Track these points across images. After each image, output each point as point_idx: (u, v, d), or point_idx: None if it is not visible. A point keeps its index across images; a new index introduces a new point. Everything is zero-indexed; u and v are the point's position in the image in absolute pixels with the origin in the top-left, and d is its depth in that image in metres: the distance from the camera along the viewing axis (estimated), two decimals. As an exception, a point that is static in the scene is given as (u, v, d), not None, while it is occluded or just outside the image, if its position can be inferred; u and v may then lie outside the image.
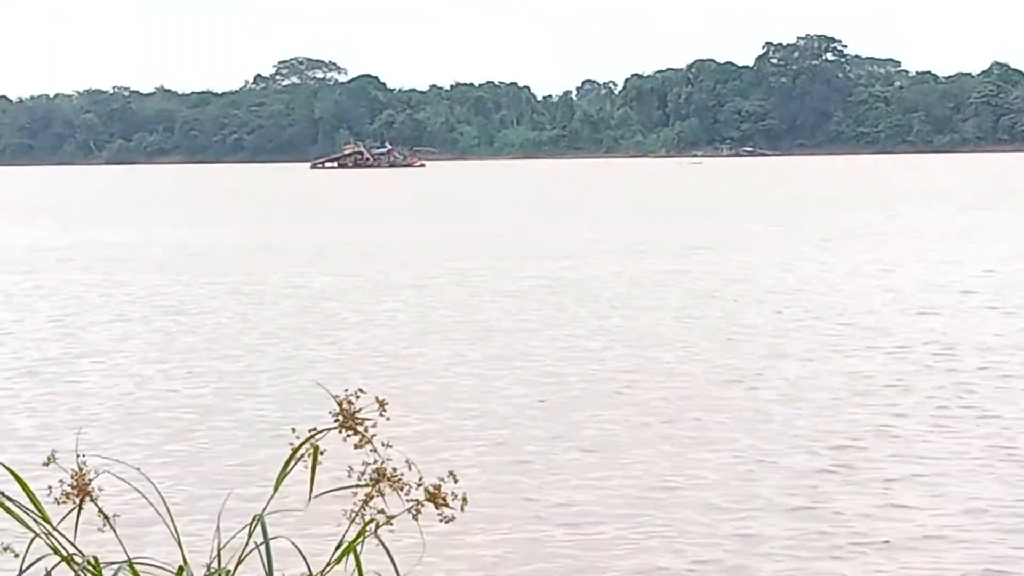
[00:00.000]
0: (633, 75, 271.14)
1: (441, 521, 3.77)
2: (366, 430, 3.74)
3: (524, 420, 17.36)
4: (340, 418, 3.75)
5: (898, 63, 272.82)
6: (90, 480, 3.78)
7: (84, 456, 3.78)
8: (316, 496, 3.97)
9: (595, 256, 41.38)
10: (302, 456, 3.81)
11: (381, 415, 3.74)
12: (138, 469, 4.44)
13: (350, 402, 3.75)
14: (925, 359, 21.46)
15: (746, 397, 18.66)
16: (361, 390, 3.76)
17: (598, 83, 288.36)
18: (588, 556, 11.85)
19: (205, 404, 18.76)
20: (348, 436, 3.74)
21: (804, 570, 11.40)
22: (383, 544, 3.80)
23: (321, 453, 3.80)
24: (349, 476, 3.79)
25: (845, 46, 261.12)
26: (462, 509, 3.77)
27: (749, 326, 25.62)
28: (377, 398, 3.74)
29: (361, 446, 3.72)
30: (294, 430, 3.83)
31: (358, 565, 3.81)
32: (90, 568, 3.73)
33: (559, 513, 13.13)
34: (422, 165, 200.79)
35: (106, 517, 3.82)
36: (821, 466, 14.67)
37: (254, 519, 3.80)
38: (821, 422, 16.85)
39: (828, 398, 18.35)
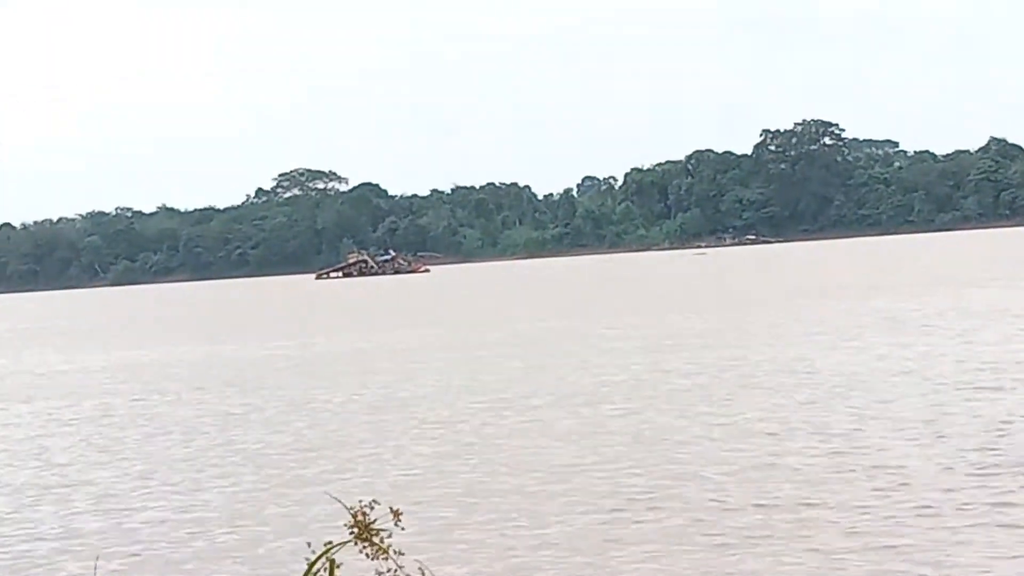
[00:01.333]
0: (633, 169, 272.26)
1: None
2: (381, 540, 3.71)
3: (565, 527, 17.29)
4: (355, 530, 3.72)
5: (896, 144, 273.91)
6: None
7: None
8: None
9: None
10: (319, 571, 3.77)
11: (396, 524, 3.72)
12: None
13: (364, 513, 3.72)
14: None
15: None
16: (375, 501, 3.74)
17: (598, 179, 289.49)
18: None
19: (223, 520, 18.68)
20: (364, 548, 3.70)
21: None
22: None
23: (338, 567, 3.78)
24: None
25: (842, 130, 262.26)
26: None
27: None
28: (391, 508, 3.73)
29: (376, 557, 3.69)
30: (309, 544, 3.81)
31: None
32: None
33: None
34: (427, 270, 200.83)
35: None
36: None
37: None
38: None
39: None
